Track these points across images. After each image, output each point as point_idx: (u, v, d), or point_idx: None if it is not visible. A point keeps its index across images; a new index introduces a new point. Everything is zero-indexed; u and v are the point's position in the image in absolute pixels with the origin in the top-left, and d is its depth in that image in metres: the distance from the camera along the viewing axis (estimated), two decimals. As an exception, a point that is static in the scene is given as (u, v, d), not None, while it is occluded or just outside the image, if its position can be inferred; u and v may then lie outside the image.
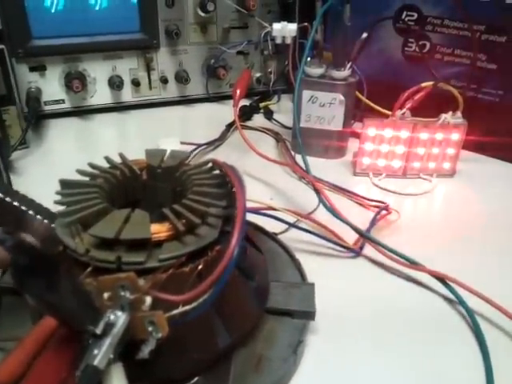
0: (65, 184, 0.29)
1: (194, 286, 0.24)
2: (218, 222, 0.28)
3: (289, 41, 0.55)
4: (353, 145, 0.57)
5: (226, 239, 0.27)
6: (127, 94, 0.66)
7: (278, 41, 0.54)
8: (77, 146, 0.60)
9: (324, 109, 0.54)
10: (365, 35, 0.57)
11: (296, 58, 0.59)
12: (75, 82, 0.61)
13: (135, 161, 0.32)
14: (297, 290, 0.33)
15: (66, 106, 0.64)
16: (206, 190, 0.29)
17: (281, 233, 0.41)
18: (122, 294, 0.22)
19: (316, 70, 0.53)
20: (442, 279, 0.36)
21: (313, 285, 0.33)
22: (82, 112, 0.65)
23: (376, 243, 0.39)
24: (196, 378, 0.27)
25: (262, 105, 0.67)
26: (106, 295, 0.22)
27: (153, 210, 0.28)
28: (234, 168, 0.29)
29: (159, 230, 0.26)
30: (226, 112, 0.64)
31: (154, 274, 0.24)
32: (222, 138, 0.59)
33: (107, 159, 0.32)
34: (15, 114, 0.54)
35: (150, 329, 0.22)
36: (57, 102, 0.63)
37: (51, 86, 0.62)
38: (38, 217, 0.28)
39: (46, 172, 0.49)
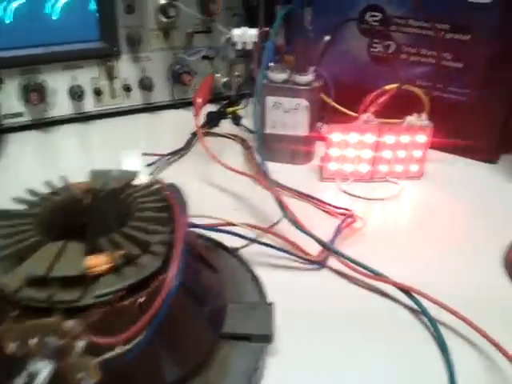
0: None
1: (136, 320, 0.22)
2: (162, 249, 0.26)
3: (250, 46, 0.53)
4: (321, 149, 0.55)
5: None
6: (89, 104, 0.64)
7: (239, 46, 0.53)
8: (36, 161, 0.58)
9: (288, 114, 0.53)
10: (327, 38, 0.56)
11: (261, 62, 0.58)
12: (33, 94, 0.59)
13: (78, 184, 0.31)
14: (254, 312, 0.32)
15: (25, 119, 0.62)
16: (150, 215, 0.27)
17: (242, 247, 0.40)
18: (49, 340, 0.20)
19: (279, 75, 0.52)
20: (406, 291, 0.35)
21: (271, 305, 0.32)
22: (43, 125, 0.63)
23: (339, 255, 0.38)
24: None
25: (229, 110, 0.66)
26: (33, 342, 0.21)
27: (98, 234, 0.26)
28: (177, 189, 0.28)
29: (96, 264, 0.24)
30: (192, 119, 0.62)
31: (86, 314, 0.23)
32: (187, 147, 0.57)
33: (47, 184, 0.30)
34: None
35: (81, 376, 0.21)
36: (15, 115, 0.61)
37: (9, 99, 0.60)
38: None
39: (4, 189, 0.47)
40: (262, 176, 0.50)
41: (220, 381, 0.28)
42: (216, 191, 0.50)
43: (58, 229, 0.28)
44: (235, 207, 0.47)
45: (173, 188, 0.28)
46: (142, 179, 0.32)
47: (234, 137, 0.61)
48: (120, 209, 0.30)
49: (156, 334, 0.25)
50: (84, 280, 0.24)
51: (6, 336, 0.20)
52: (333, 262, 0.39)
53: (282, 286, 0.37)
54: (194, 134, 0.59)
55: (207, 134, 0.61)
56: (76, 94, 0.61)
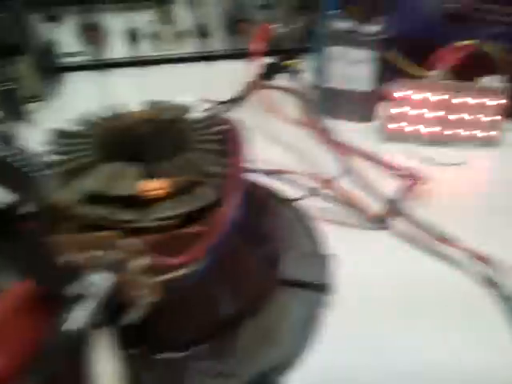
0: (58, 133, 0.27)
1: (192, 250, 0.21)
2: (220, 181, 0.25)
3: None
4: (384, 108, 0.52)
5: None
6: (145, 49, 0.63)
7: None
8: (92, 101, 0.57)
9: (351, 67, 0.49)
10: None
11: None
12: (92, 33, 0.58)
13: (136, 112, 0.29)
14: (312, 261, 0.30)
15: (83, 59, 0.61)
16: (208, 147, 0.26)
17: (298, 199, 0.38)
18: (108, 253, 0.19)
19: (343, 24, 0.48)
20: (482, 259, 0.32)
21: (330, 256, 0.30)
22: (99, 66, 0.62)
23: (406, 215, 0.35)
24: (200, 346, 0.25)
25: (286, 63, 0.63)
26: (90, 254, 0.20)
27: (151, 164, 0.25)
28: (237, 123, 0.26)
29: (154, 188, 0.23)
30: (250, 70, 0.60)
31: (146, 235, 0.22)
32: (242, 98, 0.55)
33: (107, 109, 0.29)
34: (29, 64, 0.52)
35: (141, 293, 0.20)
36: (73, 54, 0.61)
37: (68, 38, 0.60)
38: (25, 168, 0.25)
39: (61, 125, 0.47)
40: (320, 130, 0.47)
41: (278, 324, 0.26)
42: (271, 144, 0.48)
43: (113, 153, 0.27)
44: (290, 161, 0.45)
45: (231, 122, 0.26)
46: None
47: (290, 91, 0.58)
48: (175, 139, 0.28)
49: (214, 265, 0.24)
50: (141, 203, 0.23)
51: (68, 246, 0.19)
52: (395, 223, 0.37)
53: (340, 242, 0.35)
54: (249, 86, 0.57)
55: (262, 86, 0.59)
56: (133, 36, 0.60)
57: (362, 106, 0.51)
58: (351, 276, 0.31)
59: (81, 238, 0.19)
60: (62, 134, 0.26)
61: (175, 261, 0.20)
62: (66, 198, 0.23)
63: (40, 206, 0.23)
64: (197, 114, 0.30)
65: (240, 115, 0.53)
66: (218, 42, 0.65)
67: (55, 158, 0.24)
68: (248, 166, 0.33)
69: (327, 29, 0.48)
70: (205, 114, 0.29)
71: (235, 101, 0.54)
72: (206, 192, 0.24)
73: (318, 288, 0.28)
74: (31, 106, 0.52)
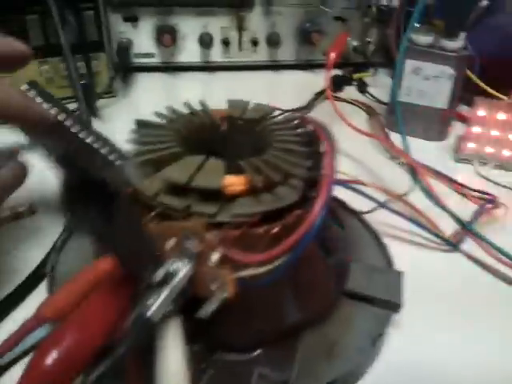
0: (141, 124, 0.27)
1: (266, 250, 0.21)
2: (301, 184, 0.24)
3: (396, 3, 0.49)
4: (456, 129, 0.50)
5: (308, 204, 0.24)
6: (216, 54, 0.64)
7: (385, 1, 0.49)
8: (162, 101, 0.59)
9: (429, 83, 0.48)
10: (485, 3, 0.50)
11: (400, 26, 0.53)
12: (166, 36, 0.59)
13: (216, 110, 0.29)
14: (381, 276, 0.29)
15: (156, 60, 0.63)
16: (290, 147, 0.25)
17: (367, 212, 0.37)
18: (189, 244, 0.19)
19: (425, 38, 0.47)
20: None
21: (401, 273, 0.29)
22: (170, 68, 0.64)
23: (480, 238, 0.33)
24: (258, 351, 0.24)
25: (355, 76, 0.62)
26: (170, 243, 0.19)
27: (230, 163, 0.25)
28: (326, 127, 0.25)
29: (234, 183, 0.23)
30: (316, 81, 0.60)
31: (225, 229, 0.21)
32: (310, 107, 0.55)
33: (187, 105, 0.29)
34: (104, 61, 0.53)
35: (216, 287, 0.19)
36: (146, 55, 0.62)
37: (142, 39, 0.61)
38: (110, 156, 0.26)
39: (131, 121, 0.48)
40: (392, 145, 0.46)
41: (342, 338, 0.25)
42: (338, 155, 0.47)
43: (194, 147, 0.27)
44: (359, 172, 0.44)
45: (320, 124, 0.26)
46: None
47: (359, 104, 0.57)
48: (256, 140, 0.28)
49: (288, 269, 0.23)
50: (221, 197, 0.23)
51: (153, 233, 0.19)
52: (467, 245, 0.35)
53: (409, 259, 0.33)
54: (318, 95, 0.56)
55: (331, 97, 0.58)
56: (205, 41, 0.61)
57: (436, 124, 0.49)
58: (417, 294, 0.30)
59: (166, 225, 0.19)
60: (145, 125, 0.27)
61: (255, 258, 0.19)
62: (150, 187, 0.23)
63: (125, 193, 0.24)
64: (280, 116, 0.29)
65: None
66: (288, 51, 0.65)
67: (137, 147, 0.25)
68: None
69: (408, 42, 0.47)
70: (288, 116, 0.29)
71: (302, 109, 0.54)
72: (286, 192, 0.24)
73: (386, 305, 0.27)
74: (102, 101, 0.54)
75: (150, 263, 0.17)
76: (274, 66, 0.66)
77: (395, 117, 0.50)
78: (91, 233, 0.15)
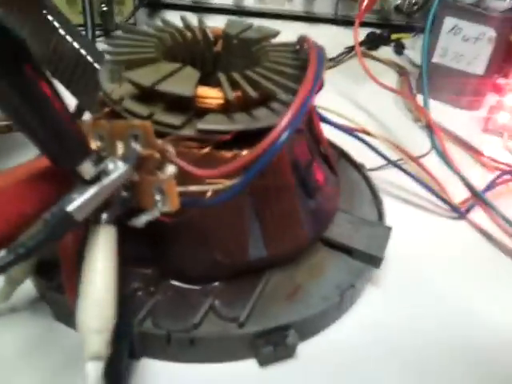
0: (126, 29, 0.25)
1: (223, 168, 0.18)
2: (283, 108, 0.22)
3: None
4: (492, 101, 0.46)
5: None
6: (250, 0, 0.61)
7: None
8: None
9: (467, 44, 0.43)
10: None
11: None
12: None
13: (213, 28, 0.27)
14: (367, 229, 0.26)
15: (186, -1, 0.60)
16: (280, 69, 0.23)
17: (374, 169, 0.34)
18: (134, 145, 0.17)
19: (469, -5, 0.43)
20: None
21: (389, 228, 0.26)
22: (201, 9, 0.61)
23: (490, 207, 0.30)
24: (216, 284, 0.23)
25: (394, 36, 0.58)
26: (113, 142, 0.18)
27: (216, 74, 0.22)
28: (320, 47, 0.23)
29: (207, 95, 0.21)
30: (350, 38, 0.56)
31: (183, 142, 0.19)
32: (337, 60, 0.52)
33: (183, 19, 0.27)
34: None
35: (158, 198, 0.17)
36: (177, -7, 0.60)
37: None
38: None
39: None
40: (418, 106, 0.42)
41: (308, 284, 0.23)
42: (358, 110, 0.44)
43: (179, 61, 0.25)
44: (377, 128, 0.41)
45: (313, 43, 0.23)
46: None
47: (392, 64, 0.53)
48: (250, 61, 0.25)
49: (252, 198, 0.21)
50: (191, 109, 0.21)
51: (92, 131, 0.17)
52: (476, 215, 0.32)
53: (408, 222, 0.31)
54: (349, 50, 0.53)
55: (363, 54, 0.54)
56: (240, -16, 0.58)
57: (470, 91, 0.45)
58: (411, 256, 0.27)
59: (115, 124, 0.17)
60: (130, 31, 0.25)
61: (201, 172, 0.17)
62: (116, 91, 0.21)
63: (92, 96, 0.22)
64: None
65: (335, 78, 0.50)
66: (326, 4, 0.61)
67: (113, 49, 0.23)
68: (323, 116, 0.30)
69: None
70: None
71: (330, 61, 0.51)
72: (264, 114, 0.21)
73: (365, 258, 0.25)
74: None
75: (79, 157, 0.15)
76: (309, 18, 0.63)
77: (425, 79, 0.46)
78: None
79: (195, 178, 0.18)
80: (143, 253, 0.22)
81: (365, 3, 0.48)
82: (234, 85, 0.21)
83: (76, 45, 0.27)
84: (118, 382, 0.19)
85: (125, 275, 0.21)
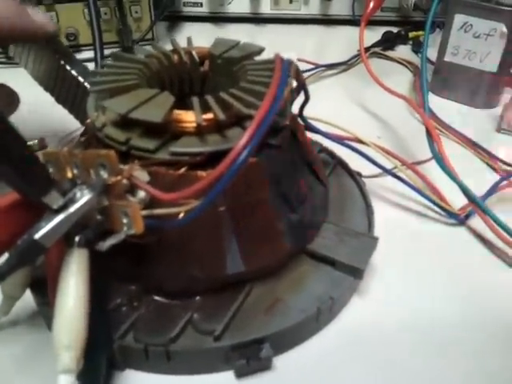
0: (115, 57, 0.27)
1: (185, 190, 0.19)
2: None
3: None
4: (508, 99, 0.44)
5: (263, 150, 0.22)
6: (266, 6, 0.62)
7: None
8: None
9: (478, 41, 0.42)
10: None
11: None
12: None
13: (200, 48, 0.28)
14: (352, 240, 0.26)
15: (203, 10, 0.62)
16: (255, 88, 0.23)
17: (372, 176, 0.34)
18: (101, 173, 0.19)
19: (480, -10, 0.41)
20: None
21: (375, 239, 0.27)
22: (218, 19, 0.63)
23: (487, 213, 0.30)
24: (196, 298, 0.24)
25: (411, 34, 0.57)
26: (80, 171, 0.19)
27: (194, 97, 0.23)
28: (291, 63, 0.23)
29: (181, 119, 0.22)
30: (370, 39, 0.55)
31: (151, 165, 0.21)
32: (348, 63, 0.51)
33: (173, 42, 0.28)
34: (146, 7, 0.53)
35: (125, 221, 0.19)
36: (195, 4, 0.62)
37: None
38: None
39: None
40: (414, 102, 0.42)
41: (287, 296, 0.24)
42: (364, 114, 0.44)
43: (170, 88, 0.26)
44: (380, 134, 0.41)
45: (286, 60, 0.24)
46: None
47: (407, 63, 0.52)
48: (232, 80, 0.26)
49: (229, 212, 0.22)
50: (167, 132, 0.22)
51: (64, 159, 0.19)
52: (476, 222, 0.31)
53: (405, 229, 0.31)
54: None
55: (378, 54, 0.54)
56: (255, -9, 0.59)
57: (484, 89, 0.44)
58: (400, 263, 0.28)
59: (86, 153, 0.19)
60: (119, 58, 0.26)
61: (164, 196, 0.18)
62: (99, 119, 0.23)
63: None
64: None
65: (345, 80, 0.50)
66: (342, 5, 0.61)
67: (100, 79, 0.24)
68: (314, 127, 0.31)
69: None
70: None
71: (338, 64, 0.51)
72: (237, 135, 0.22)
73: (348, 270, 0.25)
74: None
75: (43, 190, 0.17)
76: (326, 21, 0.63)
77: (437, 78, 0.46)
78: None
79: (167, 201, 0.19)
80: (127, 270, 0.23)
81: (371, 4, 0.48)
82: (207, 107, 0.22)
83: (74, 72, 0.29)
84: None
85: (110, 291, 0.23)
